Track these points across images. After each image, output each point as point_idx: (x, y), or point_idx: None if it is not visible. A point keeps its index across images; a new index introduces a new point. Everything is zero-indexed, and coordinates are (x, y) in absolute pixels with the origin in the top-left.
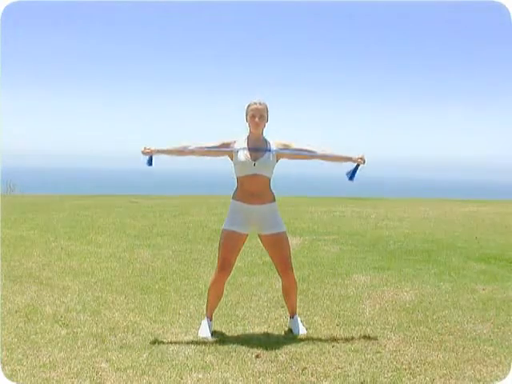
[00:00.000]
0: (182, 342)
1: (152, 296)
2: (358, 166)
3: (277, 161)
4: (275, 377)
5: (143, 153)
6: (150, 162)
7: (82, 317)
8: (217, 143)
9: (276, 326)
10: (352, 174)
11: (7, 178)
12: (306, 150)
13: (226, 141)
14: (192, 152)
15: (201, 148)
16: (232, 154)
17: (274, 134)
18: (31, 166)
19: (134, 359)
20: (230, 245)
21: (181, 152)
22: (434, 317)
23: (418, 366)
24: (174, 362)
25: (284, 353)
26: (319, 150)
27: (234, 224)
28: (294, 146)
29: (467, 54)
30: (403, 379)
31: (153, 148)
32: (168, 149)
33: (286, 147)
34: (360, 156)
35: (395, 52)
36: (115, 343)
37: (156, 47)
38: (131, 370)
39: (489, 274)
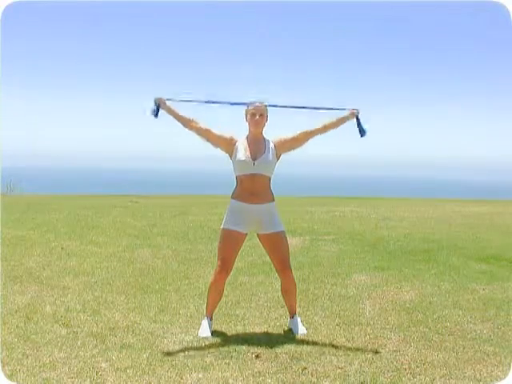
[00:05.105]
0: (182, 342)
1: (152, 296)
2: (358, 120)
3: (278, 159)
4: (275, 377)
5: (155, 100)
6: (156, 113)
7: (82, 317)
8: (223, 135)
9: (276, 325)
10: (360, 130)
11: (7, 178)
12: (301, 134)
13: (231, 136)
14: (196, 129)
15: (205, 130)
16: (232, 151)
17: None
18: (31, 166)
19: (134, 359)
20: (230, 244)
21: (186, 122)
22: (434, 317)
23: (418, 366)
24: (174, 362)
25: (284, 353)
26: (313, 128)
27: (233, 223)
28: (288, 137)
29: (467, 55)
30: (403, 379)
31: (166, 102)
32: (178, 113)
33: (283, 142)
34: (351, 111)
35: (394, 52)
36: (115, 343)
37: (156, 48)
38: (131, 370)
39: (489, 274)
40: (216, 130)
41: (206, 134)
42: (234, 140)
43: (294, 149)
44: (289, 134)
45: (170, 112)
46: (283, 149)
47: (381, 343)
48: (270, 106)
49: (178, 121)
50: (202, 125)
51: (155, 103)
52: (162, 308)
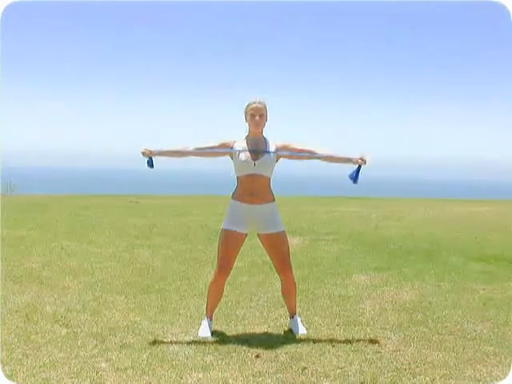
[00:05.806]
0: (182, 342)
1: (152, 296)
2: (359, 167)
3: (277, 161)
4: (275, 377)
5: (143, 154)
6: (151, 164)
7: (82, 317)
8: (216, 144)
9: (276, 325)
10: (355, 177)
11: (7, 178)
12: (305, 151)
13: (225, 141)
14: (192, 153)
15: (200, 149)
16: (232, 154)
17: (277, 134)
18: (31, 166)
19: (134, 359)
20: (230, 244)
21: (180, 153)
22: (434, 317)
23: (418, 366)
24: (174, 362)
25: (284, 353)
26: (319, 151)
27: (233, 224)
28: (294, 146)
29: (467, 55)
30: (403, 379)
31: (152, 149)
32: (167, 150)
33: (285, 147)
34: (360, 157)
35: (394, 52)
36: (115, 343)
37: (155, 47)
38: (131, 370)
39: (489, 274)
40: (214, 143)
41: (208, 154)
42: (232, 142)
43: (290, 159)
44: (292, 143)
45: (163, 155)
46: (283, 156)
47: (381, 343)
48: (267, 152)
49: (175, 156)
50: (200, 146)
51: (143, 156)
52: (162, 308)
